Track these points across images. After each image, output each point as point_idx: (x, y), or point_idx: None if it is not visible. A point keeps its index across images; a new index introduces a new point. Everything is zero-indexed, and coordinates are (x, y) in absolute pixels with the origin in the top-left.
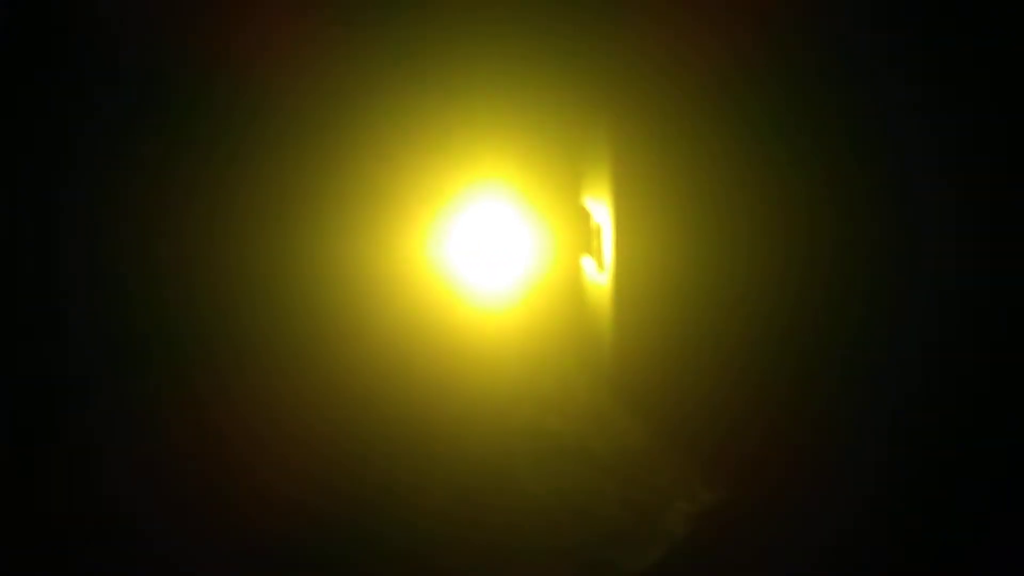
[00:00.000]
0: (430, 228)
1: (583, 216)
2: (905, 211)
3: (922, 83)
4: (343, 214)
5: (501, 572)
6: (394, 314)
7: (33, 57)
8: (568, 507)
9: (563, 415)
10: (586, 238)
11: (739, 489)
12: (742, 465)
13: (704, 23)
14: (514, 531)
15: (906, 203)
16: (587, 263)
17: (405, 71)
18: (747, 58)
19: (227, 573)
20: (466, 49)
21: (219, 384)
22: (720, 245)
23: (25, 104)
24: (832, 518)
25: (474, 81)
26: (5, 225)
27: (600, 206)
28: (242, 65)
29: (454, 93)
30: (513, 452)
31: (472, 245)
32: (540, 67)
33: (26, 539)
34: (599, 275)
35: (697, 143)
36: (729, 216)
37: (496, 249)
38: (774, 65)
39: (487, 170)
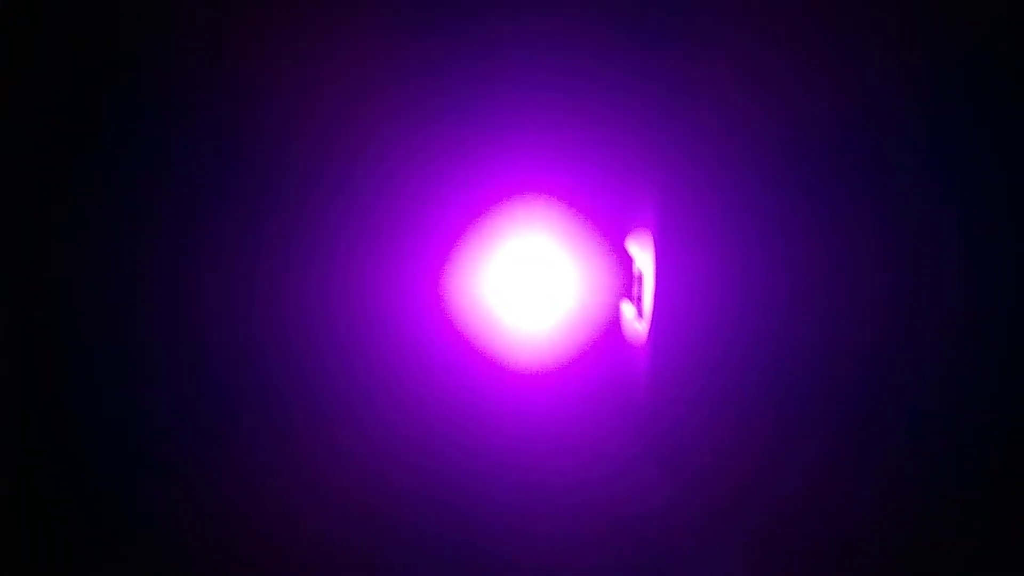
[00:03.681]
0: (468, 265)
1: (626, 260)
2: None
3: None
4: (381, 246)
5: None
6: (426, 353)
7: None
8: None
9: (590, 470)
10: (627, 283)
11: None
12: (774, 537)
13: (758, 66)
14: None
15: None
16: (627, 309)
17: (444, 101)
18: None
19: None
20: (509, 79)
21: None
22: (765, 299)
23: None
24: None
25: (520, 116)
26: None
27: (644, 251)
28: (269, 76)
29: (497, 127)
30: (531, 508)
31: (509, 283)
32: (590, 104)
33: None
34: (638, 323)
35: (747, 193)
36: (778, 268)
37: (534, 289)
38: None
39: (529, 207)
